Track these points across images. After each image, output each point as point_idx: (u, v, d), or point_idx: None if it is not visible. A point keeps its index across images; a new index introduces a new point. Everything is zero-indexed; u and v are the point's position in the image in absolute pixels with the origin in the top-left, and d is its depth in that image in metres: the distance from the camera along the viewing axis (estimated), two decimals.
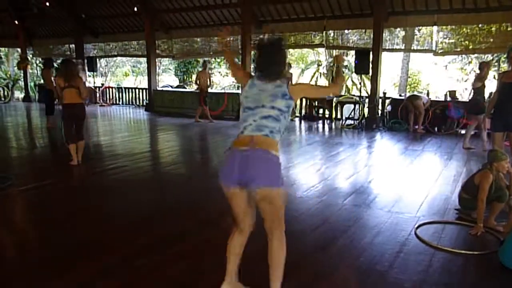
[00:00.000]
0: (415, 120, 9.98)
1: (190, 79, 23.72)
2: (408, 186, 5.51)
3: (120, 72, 28.49)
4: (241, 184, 2.28)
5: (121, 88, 17.67)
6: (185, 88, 18.85)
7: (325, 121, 11.87)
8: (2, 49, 19.65)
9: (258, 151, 2.27)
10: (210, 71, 15.34)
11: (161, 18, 14.02)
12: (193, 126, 10.81)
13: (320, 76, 20.47)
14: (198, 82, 11.54)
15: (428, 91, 12.14)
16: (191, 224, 3.93)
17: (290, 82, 2.44)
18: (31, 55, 18.90)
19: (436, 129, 10.03)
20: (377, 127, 10.44)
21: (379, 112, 10.94)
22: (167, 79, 25.72)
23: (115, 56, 18.83)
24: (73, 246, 3.53)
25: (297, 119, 12.20)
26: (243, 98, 2.45)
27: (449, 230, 3.95)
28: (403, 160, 7.22)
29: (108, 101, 16.93)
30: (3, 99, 17.76)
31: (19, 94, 20.09)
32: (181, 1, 13.07)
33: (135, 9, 13.32)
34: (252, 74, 2.52)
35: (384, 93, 11.09)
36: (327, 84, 3.23)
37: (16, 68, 19.20)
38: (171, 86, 18.64)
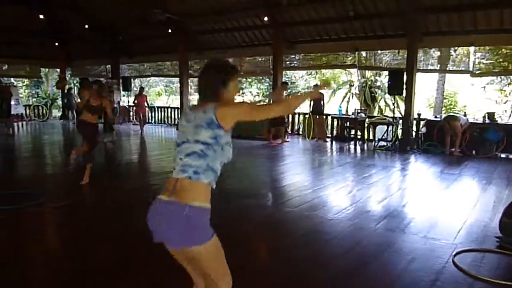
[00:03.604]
0: (451, 142, 9.65)
1: None
2: (445, 211, 5.27)
3: (153, 92, 29.19)
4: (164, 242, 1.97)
5: (154, 107, 18.06)
6: None
7: (357, 142, 11.65)
8: (43, 69, 20.53)
9: (171, 206, 1.89)
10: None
11: (195, 39, 14.32)
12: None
13: (352, 96, 20.31)
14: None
15: (465, 112, 11.78)
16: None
17: (219, 106, 1.95)
18: (69, 75, 19.65)
19: (473, 152, 9.65)
20: (411, 149, 10.14)
21: (413, 133, 10.66)
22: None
23: (149, 76, 19.36)
24: (102, 264, 3.53)
25: (328, 140, 12.04)
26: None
27: (489, 258, 3.71)
28: (438, 184, 6.95)
29: (136, 119, 17.29)
30: (41, 117, 18.47)
31: (56, 113, 20.86)
32: (214, 23, 13.32)
33: (169, 30, 13.67)
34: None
35: (419, 115, 10.82)
36: (271, 103, 2.58)
37: (55, 87, 20.00)
38: None
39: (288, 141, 11.54)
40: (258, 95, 25.65)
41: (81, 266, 3.52)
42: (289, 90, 22.29)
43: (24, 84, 25.20)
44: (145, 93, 15.01)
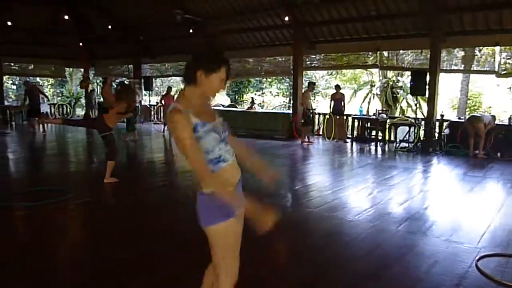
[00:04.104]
0: (475, 144, 9.45)
1: (241, 99, 24.11)
2: (468, 214, 5.18)
3: (173, 92, 29.48)
4: None
5: (160, 105, 18.21)
6: (236, 107, 19.16)
7: (378, 143, 11.52)
8: (67, 69, 20.98)
9: None
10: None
11: (215, 40, 14.39)
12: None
13: (373, 97, 20.09)
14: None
15: (489, 113, 11.52)
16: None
17: (175, 104, 1.95)
18: (92, 75, 20.02)
19: (498, 154, 9.42)
20: (433, 151, 9.97)
21: (436, 135, 10.48)
22: (219, 98, 26.26)
23: (170, 76, 19.55)
24: (123, 261, 3.60)
25: (348, 141, 11.94)
26: None
27: None
28: (462, 186, 6.82)
29: (162, 119, 17.49)
30: (65, 115, 18.87)
31: (80, 111, 21.28)
32: (235, 23, 13.37)
33: (191, 31, 13.78)
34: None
35: (442, 116, 10.63)
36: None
37: (78, 87, 20.41)
38: (223, 105, 18.99)
39: (310, 142, 11.44)
40: (278, 95, 25.64)
41: (102, 261, 3.59)
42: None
43: (49, 83, 25.79)
44: (172, 93, 14.74)
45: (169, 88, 14.77)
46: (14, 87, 25.18)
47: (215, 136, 1.97)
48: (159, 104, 16.11)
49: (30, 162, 8.69)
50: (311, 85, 11.98)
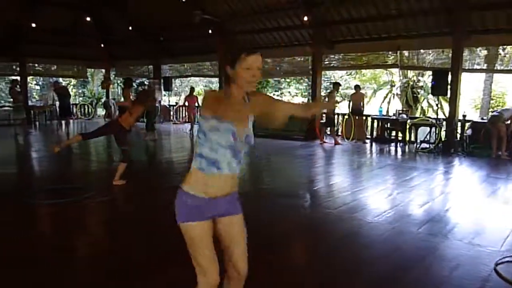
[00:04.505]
0: (498, 144, 9.24)
1: None
2: (491, 217, 5.06)
3: (196, 92, 29.68)
4: None
5: (183, 106, 18.34)
6: None
7: (398, 144, 11.36)
8: (89, 69, 21.33)
9: None
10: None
11: (234, 40, 14.44)
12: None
13: (394, 97, 19.83)
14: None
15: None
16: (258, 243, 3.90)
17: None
18: (113, 75, 20.32)
19: None
20: (455, 152, 9.79)
21: (458, 136, 10.28)
22: None
23: (189, 76, 19.69)
24: (138, 261, 3.64)
25: (367, 141, 11.82)
26: None
27: None
28: (484, 188, 6.67)
29: (181, 119, 17.65)
30: (87, 115, 19.21)
31: (101, 112, 21.63)
32: (253, 23, 13.39)
33: (210, 31, 13.85)
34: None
35: (464, 116, 10.42)
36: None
37: (100, 87, 20.74)
38: None
39: (337, 142, 11.37)
40: (297, 95, 25.55)
41: (118, 260, 3.64)
42: (327, 90, 22.10)
43: (72, 84, 26.27)
44: (195, 93, 14.55)
45: (192, 89, 14.64)
46: (38, 87, 25.75)
47: (228, 138, 1.94)
48: (182, 104, 16.16)
49: (53, 161, 8.87)
50: (337, 85, 11.84)
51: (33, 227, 4.66)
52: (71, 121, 13.69)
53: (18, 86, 13.66)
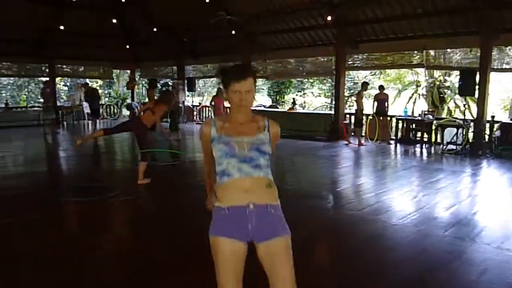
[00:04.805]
0: None
1: (282, 100, 24.08)
2: None
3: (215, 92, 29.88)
4: None
5: (210, 105, 18.44)
6: (277, 108, 19.15)
7: (423, 145, 11.15)
8: (115, 71, 21.72)
9: None
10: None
11: (257, 41, 14.46)
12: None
13: (419, 97, 19.47)
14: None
15: None
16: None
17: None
18: (138, 76, 20.65)
19: None
20: (483, 154, 9.53)
21: (486, 137, 10.01)
22: (260, 99, 26.38)
23: (212, 77, 19.79)
24: (168, 257, 3.69)
25: (392, 142, 11.64)
26: None
27: None
28: None
29: (204, 120, 17.78)
30: (112, 116, 19.58)
31: (126, 112, 22.01)
32: (276, 24, 13.37)
33: (233, 32, 13.91)
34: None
35: (492, 117, 10.14)
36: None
37: (125, 88, 21.10)
38: (264, 106, 19.06)
39: (361, 143, 11.24)
40: (320, 96, 25.39)
41: (141, 260, 3.70)
42: (351, 91, 21.88)
43: (98, 84, 26.83)
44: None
45: (220, 89, 14.50)
46: (66, 88, 26.39)
47: (223, 148, 1.97)
48: (209, 105, 16.20)
49: (80, 160, 9.08)
50: (365, 85, 11.64)
51: (59, 224, 4.79)
52: (97, 121, 13.98)
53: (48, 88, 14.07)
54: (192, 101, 18.58)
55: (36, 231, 4.39)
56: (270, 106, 19.68)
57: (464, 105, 13.07)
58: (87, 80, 19.48)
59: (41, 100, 14.30)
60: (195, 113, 18.11)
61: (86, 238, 4.27)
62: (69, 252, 3.80)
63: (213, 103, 13.60)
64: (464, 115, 10.73)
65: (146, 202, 5.94)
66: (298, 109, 17.17)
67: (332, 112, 13.10)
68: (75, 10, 15.01)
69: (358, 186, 6.77)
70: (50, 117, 13.38)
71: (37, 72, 17.68)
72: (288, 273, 1.91)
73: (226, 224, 1.93)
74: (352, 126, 12.35)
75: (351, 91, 22.13)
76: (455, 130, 10.27)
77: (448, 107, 18.63)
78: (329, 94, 23.58)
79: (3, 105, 17.35)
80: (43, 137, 12.57)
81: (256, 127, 2.04)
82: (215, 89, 28.93)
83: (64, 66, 18.05)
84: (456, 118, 11.47)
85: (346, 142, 11.43)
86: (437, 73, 18.66)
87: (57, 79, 19.77)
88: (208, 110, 18.10)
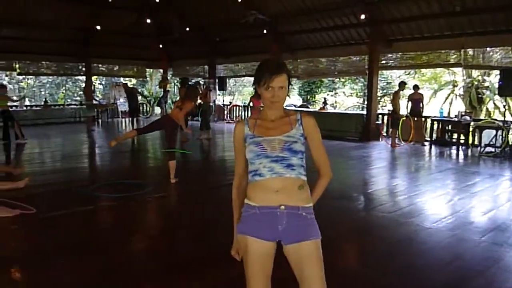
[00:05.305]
0: None
1: (313, 99, 23.89)
2: None
3: (246, 91, 29.95)
4: None
5: (247, 106, 18.51)
6: (308, 107, 19.01)
7: (460, 147, 10.78)
8: (148, 70, 22.14)
9: None
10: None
11: (288, 40, 14.39)
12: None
13: (456, 97, 18.87)
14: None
15: None
16: None
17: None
18: (170, 75, 20.97)
19: None
20: None
21: None
22: (291, 98, 26.25)
23: (243, 76, 19.87)
24: (198, 255, 3.71)
25: (426, 144, 11.32)
26: None
27: None
28: None
29: (235, 119, 17.87)
30: (145, 114, 19.97)
31: (158, 110, 22.41)
32: (309, 22, 13.24)
33: (264, 31, 13.90)
34: None
35: None
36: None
37: (158, 86, 21.48)
38: (295, 105, 18.96)
39: (397, 144, 11.00)
40: (352, 95, 25.03)
41: (175, 254, 3.74)
42: (384, 91, 21.46)
43: (132, 83, 27.46)
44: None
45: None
46: (101, 86, 27.14)
47: (254, 149, 1.94)
48: (248, 104, 16.24)
49: (114, 157, 9.30)
50: (402, 84, 11.23)
51: (94, 219, 4.91)
52: (135, 119, 14.28)
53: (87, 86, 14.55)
54: (223, 100, 18.72)
55: (72, 224, 4.53)
56: (301, 106, 19.57)
57: (504, 106, 12.57)
58: (122, 79, 19.94)
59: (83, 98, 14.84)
60: (225, 112, 18.23)
61: (119, 232, 4.36)
62: (103, 245, 3.90)
63: (251, 104, 13.51)
64: (504, 117, 10.30)
65: (177, 199, 6.03)
66: (329, 109, 17.00)
67: (364, 112, 12.88)
68: (111, 10, 15.39)
69: (390, 188, 6.61)
70: (91, 115, 13.83)
71: (74, 71, 18.24)
72: (317, 278, 1.87)
73: (255, 224, 1.91)
74: (386, 127, 12.08)
75: (384, 91, 21.71)
76: (494, 132, 9.88)
77: (487, 108, 17.97)
78: (361, 94, 23.20)
79: (42, 103, 18.00)
80: (87, 133, 12.97)
81: (288, 122, 1.98)
82: (245, 88, 29.09)
83: (100, 65, 18.56)
84: (496, 120, 11.02)
85: (392, 145, 11.06)
86: (475, 73, 18.04)
87: (93, 77, 20.34)
88: (239, 109, 18.20)
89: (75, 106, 18.24)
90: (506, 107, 12.93)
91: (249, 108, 15.65)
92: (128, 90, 14.27)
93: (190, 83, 13.77)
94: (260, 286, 1.92)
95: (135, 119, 14.14)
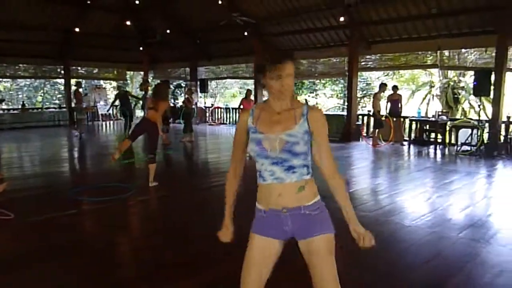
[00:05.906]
0: None
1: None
2: None
3: (228, 93, 29.94)
4: None
5: (229, 108, 18.53)
6: None
7: (437, 146, 11.04)
8: (128, 72, 21.92)
9: None
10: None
11: (270, 42, 14.46)
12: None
13: (433, 98, 19.26)
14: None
15: None
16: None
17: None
18: (151, 78, 20.81)
19: None
20: (498, 155, 9.41)
21: (502, 138, 9.87)
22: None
23: (225, 78, 19.89)
24: (181, 257, 3.72)
25: (405, 143, 11.54)
26: None
27: None
28: None
29: (216, 121, 17.87)
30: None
31: (139, 113, 22.19)
32: (289, 24, 13.35)
33: (245, 33, 13.93)
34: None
35: (508, 117, 9.99)
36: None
37: (138, 89, 21.28)
38: None
39: (378, 144, 11.20)
40: (332, 97, 25.28)
41: (159, 257, 3.74)
42: (364, 92, 21.75)
43: (112, 86, 27.11)
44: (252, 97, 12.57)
45: (249, 91, 12.43)
46: (81, 90, 26.66)
47: (255, 148, 1.91)
48: (238, 107, 16.16)
49: (96, 160, 9.19)
50: (383, 86, 11.45)
51: (76, 224, 4.85)
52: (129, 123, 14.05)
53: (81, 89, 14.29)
54: (205, 102, 18.68)
55: (57, 226, 4.47)
56: None
57: (479, 106, 12.89)
58: (102, 82, 19.66)
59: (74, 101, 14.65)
60: (207, 114, 18.20)
61: (103, 234, 4.34)
62: (88, 248, 3.87)
63: (241, 106, 13.41)
64: (479, 116, 10.59)
65: (158, 202, 5.99)
66: None
67: (345, 113, 13.05)
68: (90, 12, 15.22)
69: (371, 187, 6.73)
70: (82, 117, 13.61)
71: (53, 74, 17.95)
72: (327, 272, 1.93)
73: (263, 225, 1.97)
74: (366, 128, 12.28)
75: (364, 92, 22.00)
76: (469, 131, 10.15)
77: (463, 108, 18.41)
78: (342, 95, 23.47)
79: (19, 106, 17.64)
80: (78, 136, 12.86)
81: (293, 116, 1.90)
82: (227, 91, 29.01)
83: (79, 68, 18.28)
84: (471, 119, 11.33)
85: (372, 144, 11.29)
86: (451, 74, 18.47)
87: (73, 81, 20.02)
88: (221, 111, 18.21)
89: (54, 110, 17.94)
90: (481, 106, 13.27)
91: (239, 111, 15.61)
92: (122, 94, 14.02)
93: (170, 85, 13.70)
94: (252, 278, 1.93)
95: (128, 124, 13.88)
